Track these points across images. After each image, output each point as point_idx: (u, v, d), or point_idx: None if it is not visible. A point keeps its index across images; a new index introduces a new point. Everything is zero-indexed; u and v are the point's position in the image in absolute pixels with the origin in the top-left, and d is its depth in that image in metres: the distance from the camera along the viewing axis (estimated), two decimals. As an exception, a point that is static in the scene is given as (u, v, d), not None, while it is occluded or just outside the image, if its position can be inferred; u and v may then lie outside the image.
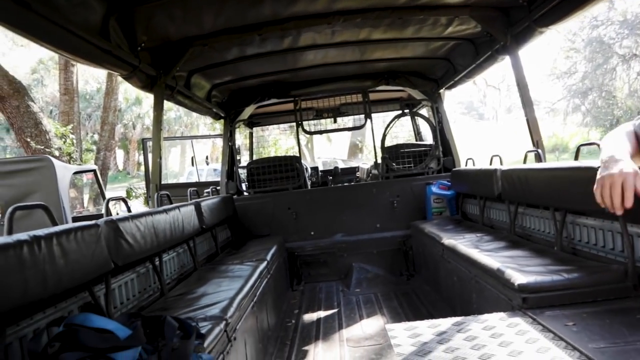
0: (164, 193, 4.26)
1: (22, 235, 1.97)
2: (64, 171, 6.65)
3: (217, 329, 2.51)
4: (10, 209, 2.30)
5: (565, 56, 25.32)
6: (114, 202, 5.82)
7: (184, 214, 3.93)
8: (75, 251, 2.28)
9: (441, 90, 6.56)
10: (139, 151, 32.34)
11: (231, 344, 2.74)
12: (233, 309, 2.90)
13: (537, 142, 4.34)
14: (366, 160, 9.65)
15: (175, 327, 2.06)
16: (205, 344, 2.29)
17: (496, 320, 2.56)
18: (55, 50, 3.10)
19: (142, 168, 30.31)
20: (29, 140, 12.78)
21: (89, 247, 2.41)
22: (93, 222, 2.56)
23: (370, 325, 4.43)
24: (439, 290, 4.77)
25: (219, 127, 23.08)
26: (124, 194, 15.62)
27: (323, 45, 5.20)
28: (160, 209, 3.56)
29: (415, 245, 5.87)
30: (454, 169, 6.01)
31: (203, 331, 2.38)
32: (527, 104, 4.40)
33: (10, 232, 2.29)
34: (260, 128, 9.37)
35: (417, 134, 8.10)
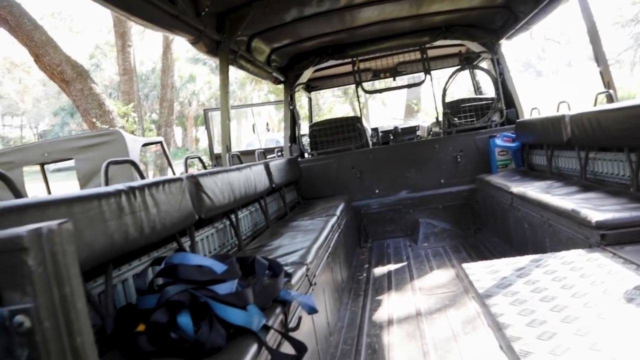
0: (234, 153, 4.40)
1: (120, 186, 2.12)
2: (133, 143, 6.91)
3: (299, 272, 2.62)
4: (105, 163, 2.47)
5: (631, 2, 23.90)
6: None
7: (255, 173, 4.06)
8: (165, 202, 2.43)
9: (501, 41, 6.38)
10: (196, 127, 33.07)
11: (312, 288, 2.85)
12: (311, 256, 3.01)
13: (608, 83, 4.18)
14: (422, 122, 9.54)
15: (265, 265, 2.17)
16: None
17: (574, 256, 2.55)
18: (128, 16, 3.23)
19: (201, 144, 31.03)
20: (94, 120, 13.33)
21: (176, 199, 2.56)
22: (177, 176, 2.70)
23: (442, 275, 4.47)
24: (509, 240, 4.74)
25: (272, 98, 23.29)
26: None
27: (379, 1, 5.15)
28: (234, 167, 3.69)
29: (481, 198, 5.82)
30: (518, 120, 5.88)
31: (287, 274, 2.49)
32: (594, 41, 4.20)
33: (107, 184, 2.45)
34: (315, 95, 9.42)
35: (477, 88, 7.93)
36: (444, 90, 6.51)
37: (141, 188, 2.24)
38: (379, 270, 4.95)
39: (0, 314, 0.77)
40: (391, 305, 3.95)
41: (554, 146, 4.72)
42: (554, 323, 1.81)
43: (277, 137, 16.66)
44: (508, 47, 6.53)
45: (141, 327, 1.85)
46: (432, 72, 6.64)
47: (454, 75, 6.53)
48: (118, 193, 2.05)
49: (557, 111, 4.71)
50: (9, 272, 0.77)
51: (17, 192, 1.83)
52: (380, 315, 3.79)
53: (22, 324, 0.77)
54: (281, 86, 6.93)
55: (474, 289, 3.56)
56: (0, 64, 30.01)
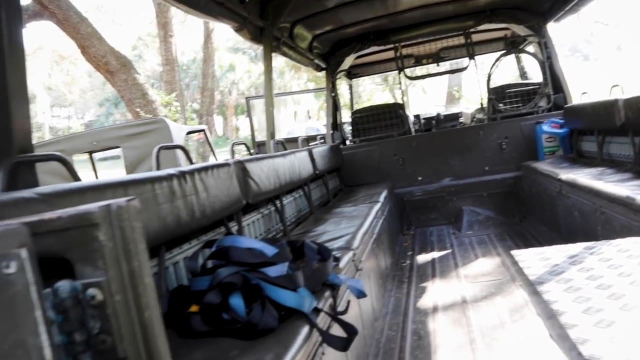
0: (279, 140, 4.43)
1: (172, 170, 2.16)
2: (178, 131, 7.04)
3: (346, 257, 2.62)
4: (156, 148, 2.53)
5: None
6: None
7: (299, 159, 4.08)
8: (214, 187, 2.46)
9: (549, 24, 6.20)
10: (237, 116, 33.38)
11: (359, 273, 2.85)
12: (357, 241, 3.01)
13: None
14: (465, 109, 9.39)
15: (314, 249, 2.18)
16: (338, 269, 2.41)
17: (631, 243, 2.47)
18: (174, 4, 3.27)
19: (241, 132, 31.34)
20: (138, 110, 13.63)
21: (224, 184, 2.59)
22: (225, 161, 2.74)
23: (487, 263, 4.41)
24: (557, 228, 4.63)
25: (311, 86, 23.28)
26: (227, 157, 16.31)
27: None
28: (279, 153, 3.72)
29: (527, 186, 5.70)
30: (566, 105, 5.71)
31: (334, 259, 2.50)
32: None
33: (158, 169, 2.51)
34: (354, 82, 9.35)
35: (522, 73, 7.74)
36: (489, 76, 6.37)
37: (191, 173, 2.28)
38: (423, 258, 4.91)
39: (74, 287, 0.79)
40: (436, 292, 3.93)
41: (606, 132, 4.57)
42: (612, 311, 1.76)
43: (317, 125, 16.67)
44: (553, 30, 6.34)
45: (194, 308, 1.89)
46: (476, 57, 6.50)
47: (499, 60, 6.39)
48: (170, 177, 2.09)
49: (610, 95, 4.55)
50: (81, 247, 0.79)
51: (76, 176, 1.89)
52: (425, 302, 3.77)
53: (94, 296, 0.79)
54: (321, 75, 6.91)
55: (523, 276, 3.50)
56: (49, 56, 30.89)
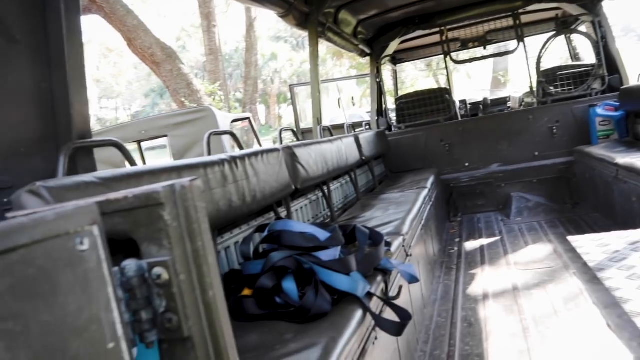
0: (325, 126, 4.42)
1: (223, 155, 2.17)
2: (223, 119, 7.12)
3: (397, 242, 2.60)
4: (207, 134, 2.55)
5: None
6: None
7: (346, 145, 4.06)
8: (264, 172, 2.47)
9: (603, 2, 5.94)
10: (279, 104, 33.55)
11: (408, 258, 2.82)
12: (407, 226, 2.98)
13: None
14: (514, 93, 9.12)
15: (366, 233, 2.16)
16: (389, 254, 2.39)
17: (698, 229, 2.36)
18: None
19: (283, 121, 31.49)
20: (183, 100, 13.86)
21: (274, 169, 2.60)
22: (274, 147, 2.74)
23: (538, 250, 4.30)
24: (612, 214, 4.47)
25: (353, 74, 23.11)
26: (270, 145, 16.45)
27: None
28: (326, 139, 3.71)
29: (579, 171, 5.52)
30: (622, 87, 5.48)
31: (384, 244, 2.47)
32: None
33: (209, 154, 2.53)
34: (399, 68, 9.22)
35: (574, 55, 7.46)
36: (539, 58, 6.16)
37: (242, 158, 2.29)
38: (471, 245, 4.83)
39: (140, 266, 0.80)
40: (485, 279, 3.85)
41: None
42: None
43: (360, 112, 16.58)
44: (608, 9, 6.07)
45: (247, 292, 1.91)
46: (525, 39, 6.30)
47: (550, 41, 6.17)
48: (222, 162, 2.11)
49: None
50: (147, 226, 0.80)
51: (132, 161, 1.93)
52: (475, 289, 3.71)
53: (160, 275, 0.79)
54: (363, 61, 6.86)
55: (578, 263, 3.41)
56: (97, 50, 31.68)
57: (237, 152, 2.34)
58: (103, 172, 1.53)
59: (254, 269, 1.88)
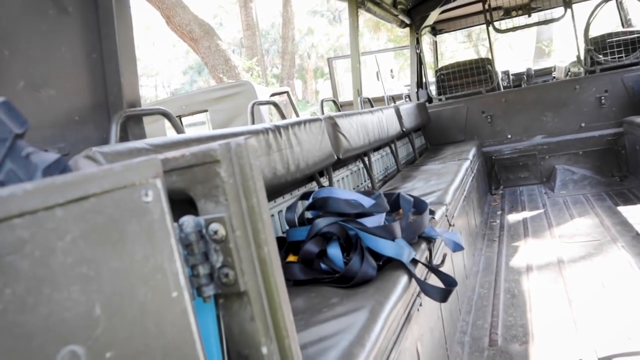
0: (365, 98, 4.40)
1: (266, 124, 2.19)
2: (262, 93, 7.14)
3: (439, 212, 2.59)
4: (251, 103, 2.58)
5: None
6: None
7: (387, 116, 4.03)
8: (307, 141, 2.48)
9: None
10: (316, 80, 33.42)
11: (451, 228, 2.80)
12: (449, 196, 2.96)
13: None
14: (559, 63, 8.82)
15: (410, 201, 2.16)
16: (433, 223, 2.38)
17: None
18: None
19: (320, 96, 31.39)
20: (221, 75, 13.93)
21: (316, 139, 2.61)
22: (316, 117, 2.75)
23: (585, 223, 4.20)
24: None
25: (391, 47, 22.75)
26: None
27: None
28: (367, 110, 3.69)
29: (629, 142, 5.33)
30: None
31: (427, 213, 2.47)
32: None
33: (253, 123, 2.56)
34: (438, 39, 9.03)
35: (625, 21, 7.16)
36: (587, 24, 5.93)
37: (285, 127, 2.31)
38: (513, 217, 4.76)
39: (197, 222, 0.82)
40: (529, 252, 3.80)
41: None
42: None
43: (398, 86, 16.38)
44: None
45: (292, 258, 1.93)
46: (572, 5, 6.08)
47: (600, 7, 5.92)
48: (266, 131, 2.13)
49: None
50: (203, 183, 0.82)
51: (180, 129, 1.97)
52: (518, 261, 3.67)
53: (217, 231, 0.81)
54: (402, 33, 6.74)
55: (627, 236, 3.33)
56: (136, 29, 32.09)
57: (281, 121, 2.36)
58: (153, 139, 1.57)
59: (299, 235, 1.90)
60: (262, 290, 0.84)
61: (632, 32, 5.94)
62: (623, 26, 7.01)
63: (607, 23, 7.33)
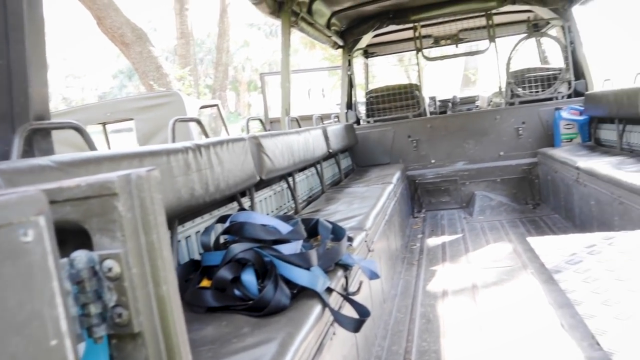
0: (293, 117, 4.39)
1: (187, 143, 2.13)
2: (191, 105, 7.01)
3: (359, 237, 2.60)
4: (172, 121, 2.50)
5: None
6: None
7: (314, 137, 4.04)
8: (229, 161, 2.44)
9: (574, 7, 6.05)
10: (249, 92, 33.28)
11: (370, 254, 2.83)
12: (370, 222, 2.98)
13: None
14: (482, 92, 9.28)
15: (329, 228, 2.15)
16: (351, 249, 2.39)
17: (652, 235, 2.42)
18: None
19: (253, 109, 31.27)
20: (151, 83, 13.59)
21: (239, 159, 2.56)
22: (240, 136, 2.71)
23: (499, 249, 4.37)
24: (571, 216, 4.58)
25: (326, 65, 23.05)
26: (239, 133, 16.30)
27: None
28: (293, 130, 3.68)
29: (542, 172, 5.63)
30: (587, 92, 5.61)
31: (347, 238, 2.47)
32: None
33: (174, 141, 2.48)
34: (370, 62, 9.23)
35: (543, 58, 7.60)
36: (509, 59, 6.25)
37: (207, 146, 2.25)
38: (433, 241, 4.89)
39: (91, 258, 0.77)
40: (446, 276, 3.90)
41: (627, 120, 4.48)
42: (631, 303, 1.73)
43: (329, 104, 16.57)
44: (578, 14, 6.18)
45: (205, 283, 1.88)
46: (496, 39, 6.38)
47: (521, 43, 6.26)
48: (186, 150, 2.07)
49: (634, 83, 4.46)
50: (99, 216, 0.77)
51: (92, 145, 1.87)
52: (435, 285, 3.75)
53: (112, 269, 0.77)
54: (336, 53, 6.83)
55: (536, 263, 3.48)
56: (65, 28, 30.85)
57: (203, 140, 2.30)
58: (60, 155, 1.48)
59: (214, 260, 1.85)
60: (158, 331, 0.80)
61: (548, 69, 6.31)
62: (541, 63, 7.45)
63: (527, 58, 7.74)
